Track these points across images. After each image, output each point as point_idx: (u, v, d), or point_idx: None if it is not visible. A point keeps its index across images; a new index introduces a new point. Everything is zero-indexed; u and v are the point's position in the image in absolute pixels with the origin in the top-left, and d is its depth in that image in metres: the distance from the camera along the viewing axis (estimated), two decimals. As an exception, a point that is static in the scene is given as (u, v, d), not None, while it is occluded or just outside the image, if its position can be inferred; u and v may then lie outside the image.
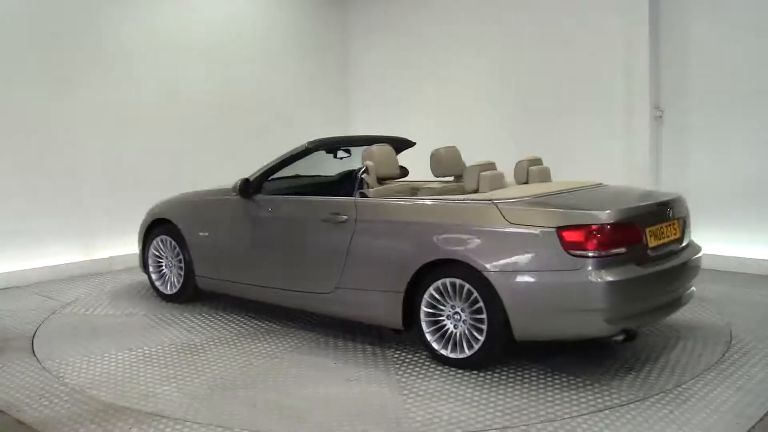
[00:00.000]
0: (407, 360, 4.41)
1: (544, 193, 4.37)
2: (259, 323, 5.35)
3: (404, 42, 9.54)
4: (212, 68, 8.56)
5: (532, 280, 3.92)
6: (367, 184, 4.79)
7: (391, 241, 4.53)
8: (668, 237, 4.26)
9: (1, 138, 6.84)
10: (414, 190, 5.04)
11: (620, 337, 3.88)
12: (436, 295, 4.25)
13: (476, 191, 4.63)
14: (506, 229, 4.01)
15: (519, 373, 4.12)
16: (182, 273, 5.88)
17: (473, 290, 4.07)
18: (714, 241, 6.89)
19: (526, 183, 5.00)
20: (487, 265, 3.99)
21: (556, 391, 3.84)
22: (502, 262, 3.98)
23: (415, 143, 5.98)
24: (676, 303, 4.38)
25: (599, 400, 3.68)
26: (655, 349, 4.48)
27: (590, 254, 3.77)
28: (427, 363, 4.33)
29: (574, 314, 3.86)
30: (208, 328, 5.27)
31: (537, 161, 5.15)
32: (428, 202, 4.53)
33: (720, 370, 4.08)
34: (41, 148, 7.12)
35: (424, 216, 4.43)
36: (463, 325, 4.17)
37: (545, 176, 5.08)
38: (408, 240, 4.42)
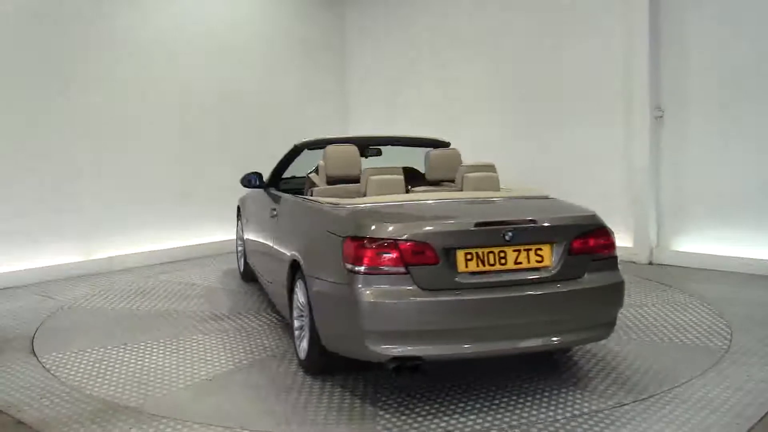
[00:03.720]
0: (290, 357, 4.42)
1: (399, 202, 4.08)
2: (256, 305, 5.88)
3: (403, 43, 9.55)
4: (211, 69, 8.60)
5: (326, 290, 3.74)
6: (315, 183, 4.89)
7: (286, 236, 4.71)
8: (517, 264, 3.59)
9: (0, 138, 6.85)
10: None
11: (391, 366, 3.49)
12: (300, 295, 4.21)
13: (365, 195, 4.46)
14: (325, 235, 3.85)
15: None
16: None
17: (307, 293, 4.00)
18: (714, 240, 6.92)
19: (461, 190, 4.64)
20: (308, 269, 3.97)
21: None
22: (315, 267, 3.90)
23: (449, 143, 5.77)
24: (547, 338, 3.65)
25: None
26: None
27: (357, 269, 3.48)
28: (294, 361, 4.35)
29: (349, 333, 3.58)
30: (215, 303, 6.07)
31: (481, 167, 4.71)
32: (298, 202, 4.70)
33: (719, 370, 4.08)
34: (41, 149, 7.13)
35: (296, 215, 4.69)
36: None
37: (487, 184, 4.58)
38: (289, 237, 4.59)
